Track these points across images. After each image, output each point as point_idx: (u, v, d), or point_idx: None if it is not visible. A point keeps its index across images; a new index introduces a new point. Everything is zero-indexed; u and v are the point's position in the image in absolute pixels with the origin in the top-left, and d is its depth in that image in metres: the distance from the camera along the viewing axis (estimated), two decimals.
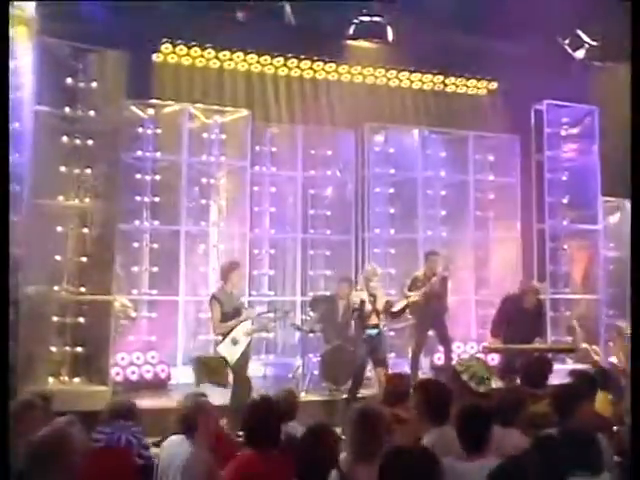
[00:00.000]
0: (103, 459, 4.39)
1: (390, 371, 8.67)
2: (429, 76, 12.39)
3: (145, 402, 8.09)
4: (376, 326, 8.83)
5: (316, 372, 10.05)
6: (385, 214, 12.06)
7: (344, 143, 11.95)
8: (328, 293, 11.05)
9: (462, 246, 12.08)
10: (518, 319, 9.52)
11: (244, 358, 8.32)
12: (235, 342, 8.29)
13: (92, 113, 8.82)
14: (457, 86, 12.62)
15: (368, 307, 8.73)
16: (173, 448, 4.77)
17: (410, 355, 10.23)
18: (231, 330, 8.25)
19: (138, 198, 10.52)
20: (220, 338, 8.35)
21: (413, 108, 12.24)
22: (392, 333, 10.89)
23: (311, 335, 11.43)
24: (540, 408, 4.97)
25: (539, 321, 9.77)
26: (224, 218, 11.13)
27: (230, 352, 8.23)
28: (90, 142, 8.81)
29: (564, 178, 11.59)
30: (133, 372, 9.92)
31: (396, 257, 11.97)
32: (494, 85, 12.65)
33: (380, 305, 8.87)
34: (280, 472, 3.94)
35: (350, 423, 3.76)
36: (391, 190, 12.13)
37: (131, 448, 4.61)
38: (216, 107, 11.02)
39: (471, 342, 11.78)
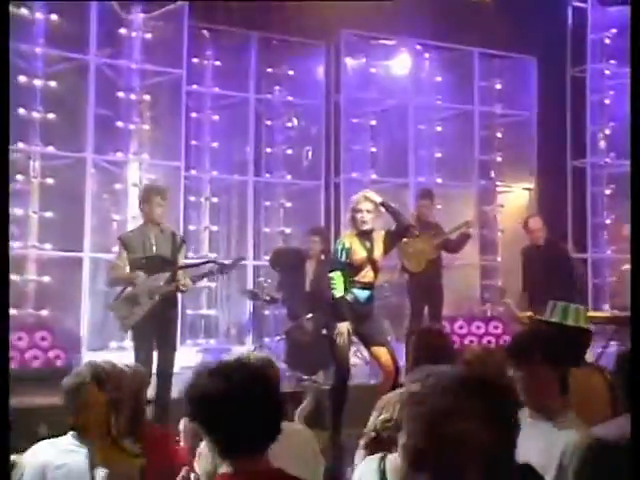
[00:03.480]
0: None
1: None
2: None
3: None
4: (369, 286, 5.74)
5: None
6: (365, 153, 9.22)
7: (312, 59, 9.08)
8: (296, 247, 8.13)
9: (462, 198, 9.33)
10: (543, 276, 6.89)
11: (148, 326, 5.57)
12: (135, 301, 5.56)
13: None
14: None
15: (359, 255, 5.72)
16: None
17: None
18: (132, 284, 5.61)
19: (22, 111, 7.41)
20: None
21: (402, 15, 9.31)
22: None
23: (267, 312, 8.64)
24: None
25: (574, 281, 7.12)
26: (148, 149, 8.10)
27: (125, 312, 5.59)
28: None
29: (607, 101, 8.84)
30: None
31: None
32: None
33: (378, 253, 5.81)
34: None
35: None
36: (373, 122, 9.28)
37: None
38: None
39: (477, 322, 9.02)
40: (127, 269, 5.65)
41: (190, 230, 8.47)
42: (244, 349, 8.37)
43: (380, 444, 2.95)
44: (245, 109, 8.71)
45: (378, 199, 5.68)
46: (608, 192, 8.73)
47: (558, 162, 8.94)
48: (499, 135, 9.62)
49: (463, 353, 3.80)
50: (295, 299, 7.36)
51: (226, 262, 6.08)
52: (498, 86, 9.53)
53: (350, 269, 5.65)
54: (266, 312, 8.75)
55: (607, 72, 8.84)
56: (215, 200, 8.81)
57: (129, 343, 7.63)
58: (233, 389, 2.02)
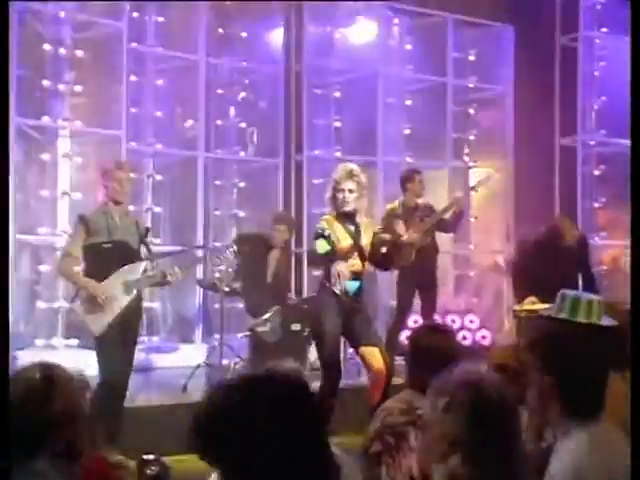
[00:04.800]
0: None
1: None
2: None
3: None
4: (357, 276, 4.88)
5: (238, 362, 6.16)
6: (328, 128, 8.25)
7: (269, 21, 8.08)
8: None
9: (434, 179, 8.45)
10: (555, 268, 6.05)
11: (122, 326, 4.66)
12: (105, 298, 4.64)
13: None
14: None
15: (344, 243, 4.81)
16: None
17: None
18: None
19: None
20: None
21: None
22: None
23: (217, 306, 7.59)
24: None
25: (588, 270, 6.32)
26: (81, 115, 6.94)
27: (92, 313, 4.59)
28: None
29: (596, 73, 8.04)
30: None
31: None
32: None
33: (366, 239, 4.93)
34: None
35: None
36: (337, 94, 8.32)
37: None
38: None
39: (452, 315, 8.16)
40: (80, 259, 4.71)
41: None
42: (192, 348, 7.36)
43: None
44: (193, 74, 7.63)
45: (364, 179, 4.88)
46: (597, 173, 7.97)
47: (538, 141, 8.14)
48: (472, 111, 8.79)
49: (489, 355, 3.34)
50: (256, 292, 6.34)
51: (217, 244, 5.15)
52: (472, 57, 8.70)
53: (334, 259, 4.81)
54: (216, 305, 7.73)
55: (597, 41, 8.05)
56: (159, 178, 7.69)
57: (60, 341, 6.55)
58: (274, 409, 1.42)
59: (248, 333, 6.14)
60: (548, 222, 6.39)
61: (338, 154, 8.14)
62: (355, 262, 4.87)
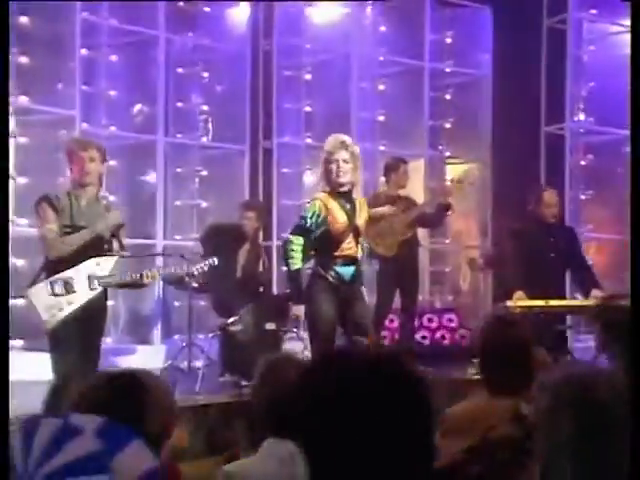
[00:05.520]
0: None
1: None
2: None
3: None
4: (353, 261, 4.41)
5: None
6: (299, 112, 7.66)
7: None
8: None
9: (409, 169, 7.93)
10: (540, 254, 5.67)
11: (82, 324, 4.12)
12: (69, 288, 4.11)
13: None
14: None
15: (339, 222, 4.32)
16: None
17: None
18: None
19: None
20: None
21: None
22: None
23: (177, 304, 7.03)
24: None
25: (583, 261, 5.92)
26: (28, 90, 6.22)
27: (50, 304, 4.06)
28: None
29: (585, 57, 7.57)
30: None
31: None
32: None
33: (361, 219, 4.45)
34: None
35: None
36: (307, 76, 7.73)
37: None
38: None
39: (429, 314, 7.64)
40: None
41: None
42: (151, 349, 6.72)
43: None
44: (152, 51, 6.98)
45: (357, 150, 4.45)
46: (584, 163, 7.55)
47: (521, 129, 7.69)
48: (448, 97, 8.30)
49: None
50: (225, 288, 5.72)
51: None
52: (448, 40, 8.21)
53: (327, 241, 4.36)
54: (176, 303, 7.11)
55: (585, 24, 7.60)
56: (113, 163, 6.97)
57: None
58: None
59: (218, 332, 5.51)
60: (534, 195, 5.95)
61: (309, 140, 7.56)
62: (350, 245, 4.41)
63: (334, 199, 4.40)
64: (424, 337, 7.50)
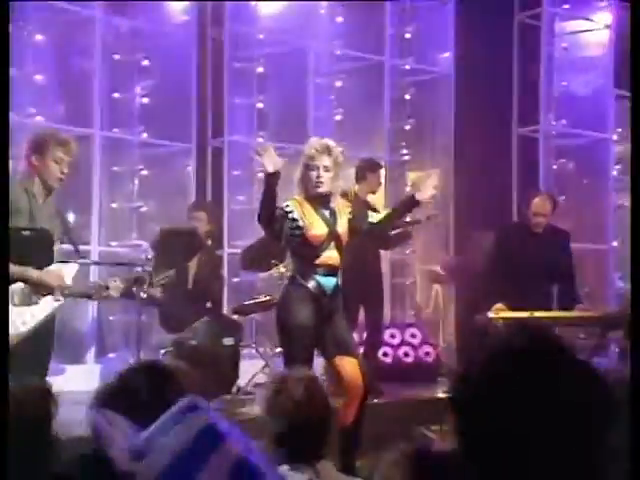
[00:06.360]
0: None
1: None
2: None
3: None
4: (334, 271, 3.91)
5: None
6: (250, 108, 6.99)
7: None
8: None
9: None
10: (529, 267, 5.20)
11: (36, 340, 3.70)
12: (22, 301, 3.62)
13: None
14: None
15: (318, 230, 3.85)
16: None
17: None
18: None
19: None
20: None
21: None
22: None
23: (112, 318, 6.32)
24: None
25: (567, 267, 5.43)
26: None
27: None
28: None
29: (557, 55, 7.09)
30: None
31: None
32: None
33: (342, 228, 3.94)
34: None
35: None
36: (260, 69, 7.06)
37: None
38: None
39: (391, 329, 7.03)
40: None
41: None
42: (83, 370, 5.92)
43: None
44: (87, 35, 6.20)
45: (341, 156, 3.98)
46: (555, 167, 7.11)
47: (487, 132, 7.21)
48: (408, 97, 7.78)
49: None
50: (176, 299, 4.99)
51: None
52: (407, 35, 7.69)
53: (305, 250, 3.90)
54: (111, 317, 6.33)
55: (557, 20, 7.18)
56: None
57: None
58: None
59: (170, 349, 4.77)
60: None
61: (261, 139, 6.89)
62: (331, 254, 3.91)
63: (311, 205, 3.94)
64: (385, 354, 6.90)
